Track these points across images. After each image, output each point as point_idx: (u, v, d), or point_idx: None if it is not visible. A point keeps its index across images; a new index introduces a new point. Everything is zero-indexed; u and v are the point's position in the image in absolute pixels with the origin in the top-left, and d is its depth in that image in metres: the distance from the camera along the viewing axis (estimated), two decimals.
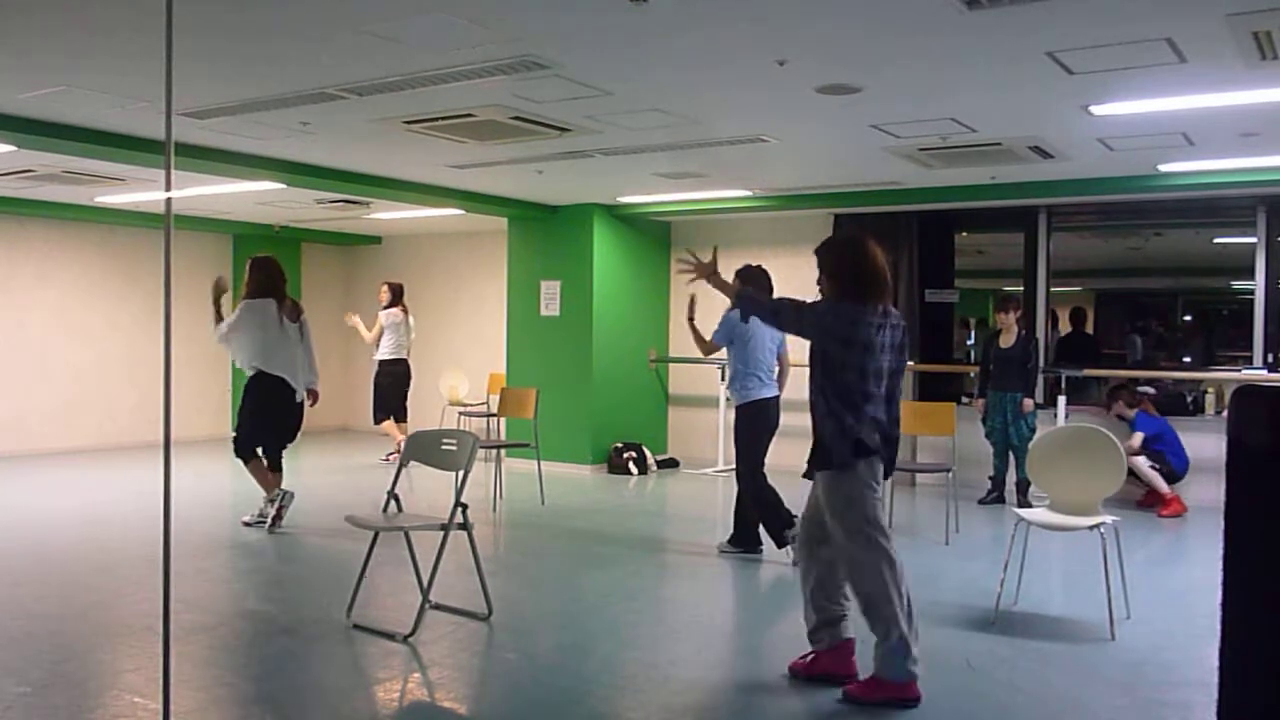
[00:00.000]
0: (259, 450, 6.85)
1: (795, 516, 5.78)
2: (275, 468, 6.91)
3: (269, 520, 6.77)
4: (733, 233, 10.24)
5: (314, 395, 6.99)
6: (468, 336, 12.06)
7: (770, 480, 6.00)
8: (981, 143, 6.49)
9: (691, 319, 6.23)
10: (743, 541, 6.20)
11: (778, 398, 6.07)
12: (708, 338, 6.12)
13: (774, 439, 6.07)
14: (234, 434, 6.91)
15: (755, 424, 5.99)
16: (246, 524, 6.86)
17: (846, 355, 3.75)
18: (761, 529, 6.11)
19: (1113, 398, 8.14)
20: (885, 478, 3.88)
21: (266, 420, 6.81)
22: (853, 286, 3.82)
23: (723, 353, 6.21)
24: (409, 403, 10.06)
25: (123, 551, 6.17)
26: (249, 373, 6.80)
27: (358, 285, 13.20)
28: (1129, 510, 7.60)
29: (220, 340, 6.79)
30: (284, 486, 6.88)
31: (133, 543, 6.33)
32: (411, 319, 10.02)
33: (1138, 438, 7.77)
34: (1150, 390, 8.72)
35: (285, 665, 4.22)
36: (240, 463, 6.87)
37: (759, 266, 6.14)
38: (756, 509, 6.05)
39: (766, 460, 6.03)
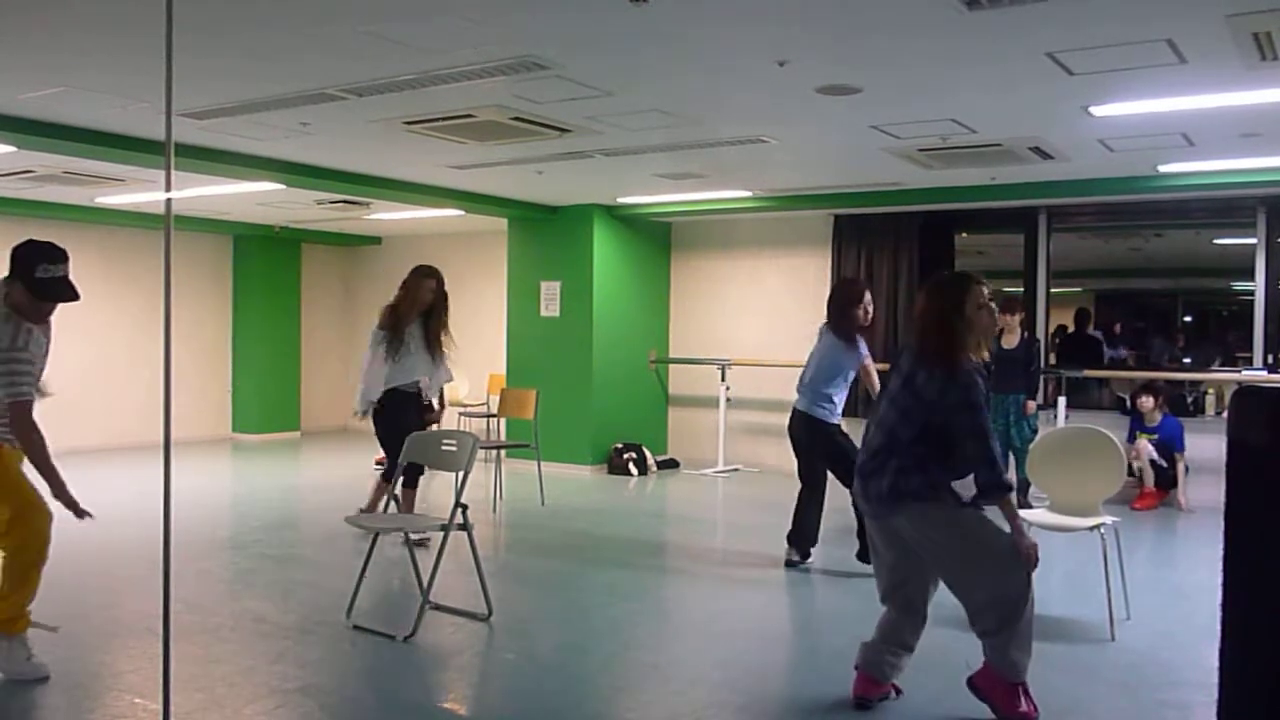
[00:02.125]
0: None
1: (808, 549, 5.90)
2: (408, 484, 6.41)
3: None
4: (733, 233, 10.24)
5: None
6: (468, 336, 12.00)
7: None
8: (982, 143, 6.49)
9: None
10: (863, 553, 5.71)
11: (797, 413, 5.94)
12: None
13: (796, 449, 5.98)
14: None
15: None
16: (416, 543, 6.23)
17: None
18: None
19: (1154, 395, 8.09)
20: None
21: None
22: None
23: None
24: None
25: (123, 551, 6.17)
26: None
27: (357, 285, 13.19)
28: (1124, 509, 7.60)
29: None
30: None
31: (133, 543, 6.33)
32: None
33: (1181, 464, 7.88)
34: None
35: (285, 665, 4.22)
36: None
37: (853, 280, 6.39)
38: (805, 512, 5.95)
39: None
